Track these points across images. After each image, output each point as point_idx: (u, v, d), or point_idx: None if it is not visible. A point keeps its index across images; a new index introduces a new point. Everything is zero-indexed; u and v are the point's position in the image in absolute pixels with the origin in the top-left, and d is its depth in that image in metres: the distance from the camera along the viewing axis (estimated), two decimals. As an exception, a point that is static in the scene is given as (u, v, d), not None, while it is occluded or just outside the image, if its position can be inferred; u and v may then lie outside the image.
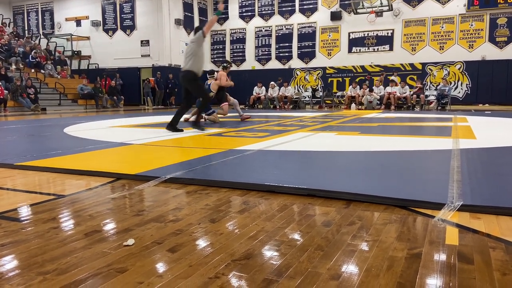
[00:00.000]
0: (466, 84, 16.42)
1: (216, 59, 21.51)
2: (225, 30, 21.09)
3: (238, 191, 2.64)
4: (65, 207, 2.35)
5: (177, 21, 18.91)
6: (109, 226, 2.01)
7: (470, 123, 7.70)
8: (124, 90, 18.75)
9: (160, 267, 1.52)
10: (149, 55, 19.01)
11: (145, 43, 19.10)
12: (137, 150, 4.54)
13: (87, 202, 2.44)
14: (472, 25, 16.19)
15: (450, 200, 2.25)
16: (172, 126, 6.37)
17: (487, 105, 15.48)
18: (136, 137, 5.62)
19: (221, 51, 21.34)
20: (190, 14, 19.95)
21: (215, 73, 8.87)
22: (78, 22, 20.44)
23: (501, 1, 15.47)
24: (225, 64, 8.97)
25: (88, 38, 20.24)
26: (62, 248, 1.69)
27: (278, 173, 3.16)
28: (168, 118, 10.06)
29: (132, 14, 19.34)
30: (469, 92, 16.40)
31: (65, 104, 16.44)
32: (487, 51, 16.03)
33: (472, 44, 16.27)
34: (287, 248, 1.69)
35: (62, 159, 3.84)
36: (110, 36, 19.93)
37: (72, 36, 20.15)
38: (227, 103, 8.66)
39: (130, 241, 1.75)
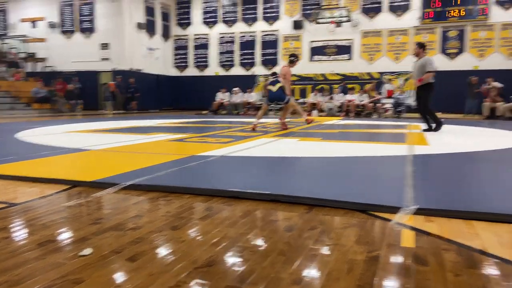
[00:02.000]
0: (421, 93, 17.19)
1: (179, 64, 21.27)
2: (188, 35, 20.93)
3: (201, 198, 2.62)
4: (17, 216, 2.23)
5: (139, 25, 18.57)
6: (65, 236, 1.93)
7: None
8: (83, 94, 18.11)
9: (119, 277, 1.48)
10: (109, 59, 18.50)
11: (104, 46, 18.58)
12: (95, 156, 4.39)
13: (41, 210, 2.33)
14: (425, 37, 17.01)
15: (406, 204, 2.34)
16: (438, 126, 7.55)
17: (439, 113, 16.25)
18: (94, 143, 5.43)
19: (183, 56, 21.14)
20: (152, 18, 19.65)
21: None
22: (34, 23, 19.58)
23: (451, 15, 16.39)
24: (292, 59, 8.29)
25: (44, 40, 19.42)
26: (14, 259, 1.60)
27: (242, 179, 3.17)
28: (128, 123, 9.84)
29: (91, 17, 18.78)
30: (423, 101, 17.17)
31: (18, 108, 15.64)
32: (439, 62, 16.79)
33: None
34: (250, 254, 1.69)
35: (14, 166, 3.65)
36: (68, 38, 19.25)
37: (27, 38, 19.27)
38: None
39: (87, 251, 1.69)
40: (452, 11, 16.37)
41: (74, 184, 2.96)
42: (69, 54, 18.88)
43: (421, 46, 7.78)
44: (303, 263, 1.60)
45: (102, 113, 16.81)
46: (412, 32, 17.15)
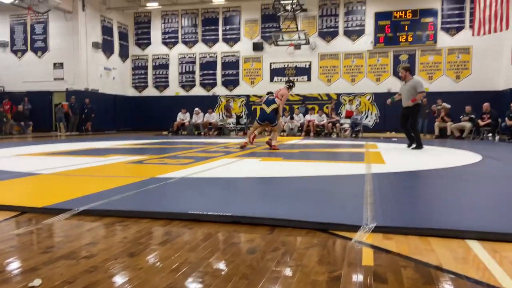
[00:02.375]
0: (375, 114, 17.91)
1: (137, 84, 20.95)
2: (147, 55, 20.74)
3: (160, 222, 2.54)
4: (-43, 248, 2.05)
5: (95, 44, 18.19)
6: (13, 266, 1.79)
7: (379, 149, 8.35)
8: (34, 115, 17.33)
9: (71, 309, 1.38)
10: (62, 79, 17.90)
11: (58, 65, 17.99)
12: (46, 180, 4.17)
13: (-16, 240, 2.16)
14: (378, 60, 17.87)
15: (365, 222, 2.39)
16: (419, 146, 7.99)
17: (393, 132, 16.96)
18: (46, 166, 5.17)
19: (142, 76, 20.87)
20: (109, 38, 19.33)
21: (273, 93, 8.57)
22: (-18, 42, 18.71)
23: (402, 40, 17.37)
24: (290, 84, 8.62)
25: (-7, 59, 18.55)
26: (-50, 296, 1.47)
27: (203, 200, 3.11)
28: (83, 145, 9.46)
29: (44, 35, 18.20)
30: (378, 121, 17.87)
31: (-38, 130, 14.71)
32: (392, 84, 17.73)
33: (379, 77, 17.91)
34: (212, 279, 1.65)
35: (-45, 192, 3.39)
36: (19, 58, 18.49)
37: (-26, 57, 18.33)
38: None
39: (37, 282, 1.58)
40: (402, 36, 17.36)
41: (23, 210, 2.78)
42: (20, 74, 18.14)
43: (407, 70, 8.31)
44: (266, 286, 1.57)
45: (55, 134, 16.14)
46: (366, 55, 17.96)
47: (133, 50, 20.95)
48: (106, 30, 19.17)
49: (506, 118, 12.36)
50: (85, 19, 17.77)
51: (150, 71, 20.77)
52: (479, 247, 2.04)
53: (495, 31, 13.52)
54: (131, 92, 21.06)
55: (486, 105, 13.14)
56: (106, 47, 19.11)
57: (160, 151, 7.98)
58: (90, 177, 4.38)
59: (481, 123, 13.05)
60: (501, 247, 2.04)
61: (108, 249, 2.02)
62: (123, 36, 20.44)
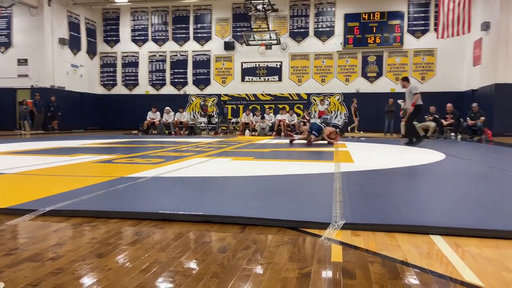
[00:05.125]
0: (344, 114, 18.26)
1: (106, 82, 20.46)
2: (116, 53, 20.29)
3: (130, 222, 2.50)
4: None
5: (62, 40, 17.63)
6: (-29, 271, 1.72)
7: (348, 148, 8.52)
8: (-4, 113, 16.65)
9: (36, 313, 1.34)
10: (27, 75, 17.25)
11: (22, 62, 17.32)
12: (10, 180, 4.01)
13: None
14: (347, 61, 18.23)
15: (334, 219, 2.44)
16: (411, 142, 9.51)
17: (362, 132, 17.36)
18: (9, 166, 4.98)
19: (111, 74, 20.41)
20: (76, 34, 18.78)
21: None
22: None
23: (370, 42, 17.79)
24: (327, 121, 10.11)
25: (-49, 53, 17.64)
26: None
27: (173, 200, 3.09)
28: (49, 144, 9.15)
29: (8, 31, 17.48)
30: (347, 121, 18.23)
31: None
32: (361, 85, 18.14)
33: (348, 78, 18.27)
34: (182, 278, 1.64)
35: None
36: (-20, 53, 17.70)
37: None
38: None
39: (-2, 286, 1.52)
40: (371, 38, 17.78)
41: (-17, 212, 2.67)
42: (-19, 70, 17.36)
43: (405, 79, 9.90)
44: (237, 284, 1.58)
45: (19, 133, 15.52)
46: (336, 56, 18.28)
47: (102, 47, 20.46)
48: (73, 26, 18.62)
49: (468, 118, 12.91)
50: (51, 14, 17.20)
51: (119, 69, 20.35)
52: (443, 242, 2.13)
53: (458, 34, 14.07)
54: (100, 90, 20.57)
55: (449, 105, 13.66)
56: (73, 44, 18.58)
57: (129, 150, 7.83)
58: (56, 176, 4.24)
59: (444, 122, 13.55)
60: (463, 242, 2.14)
61: (75, 250, 1.97)
62: (91, 33, 19.92)
